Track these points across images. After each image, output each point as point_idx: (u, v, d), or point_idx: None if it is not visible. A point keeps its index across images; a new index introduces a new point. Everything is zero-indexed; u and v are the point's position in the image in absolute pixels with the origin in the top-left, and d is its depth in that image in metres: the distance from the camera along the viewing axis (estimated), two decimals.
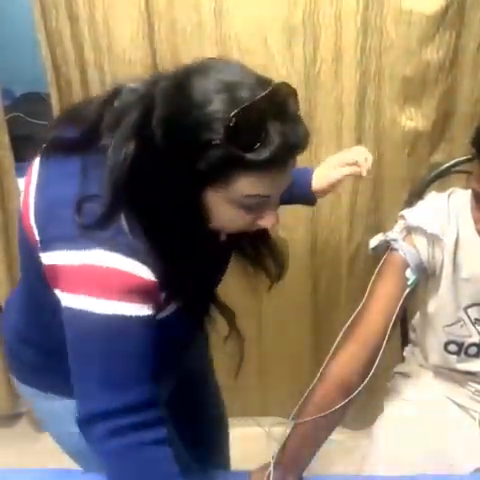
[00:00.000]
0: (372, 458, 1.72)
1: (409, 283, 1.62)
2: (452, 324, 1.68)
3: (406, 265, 1.63)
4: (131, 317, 1.21)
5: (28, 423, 2.85)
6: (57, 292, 1.23)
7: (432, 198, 1.74)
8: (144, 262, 1.21)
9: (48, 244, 1.24)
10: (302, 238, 2.48)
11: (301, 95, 2.13)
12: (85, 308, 1.19)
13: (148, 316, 1.24)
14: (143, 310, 1.22)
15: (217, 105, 1.13)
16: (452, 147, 2.26)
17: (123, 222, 1.22)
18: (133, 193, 1.22)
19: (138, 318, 1.22)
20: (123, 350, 1.23)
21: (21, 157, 2.39)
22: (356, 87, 2.19)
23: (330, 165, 1.79)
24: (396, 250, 1.65)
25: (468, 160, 1.92)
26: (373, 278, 1.66)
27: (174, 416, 1.56)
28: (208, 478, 1.56)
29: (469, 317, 1.66)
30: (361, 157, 1.70)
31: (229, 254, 1.53)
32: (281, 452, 1.51)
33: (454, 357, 1.72)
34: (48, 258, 1.23)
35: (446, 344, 1.71)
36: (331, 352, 1.59)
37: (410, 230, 1.65)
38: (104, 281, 1.19)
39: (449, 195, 1.69)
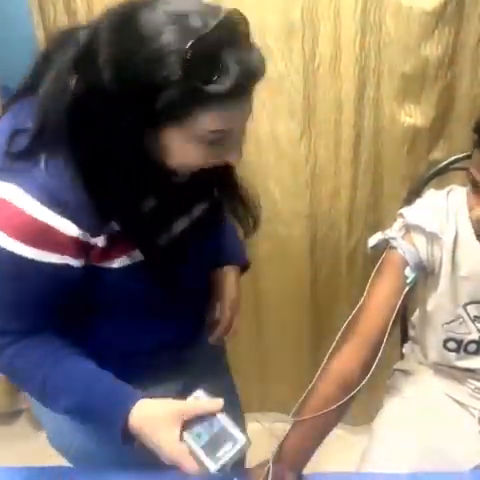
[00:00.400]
0: (371, 455, 1.72)
1: (408, 281, 1.63)
2: (451, 321, 1.68)
3: (405, 263, 1.63)
4: (22, 258, 1.19)
5: (27, 421, 2.85)
6: None
7: (431, 196, 1.73)
8: (52, 207, 1.17)
9: None
10: (301, 234, 2.48)
11: (300, 91, 2.17)
12: None
13: (44, 263, 1.21)
14: (40, 255, 1.20)
15: (169, 38, 1.07)
16: (451, 144, 2.26)
17: (42, 159, 1.18)
18: (69, 127, 1.17)
19: (28, 261, 1.20)
20: (6, 285, 1.25)
21: None
22: (355, 83, 2.18)
23: None
24: (395, 248, 1.65)
25: (467, 157, 1.92)
26: (372, 276, 1.66)
27: None
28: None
29: (468, 314, 1.66)
30: None
31: (195, 205, 1.45)
32: (280, 448, 1.50)
33: (453, 354, 1.72)
34: None
35: (445, 341, 1.71)
36: (331, 349, 1.58)
37: (409, 228, 1.65)
38: (6, 216, 1.17)
39: (448, 193, 1.69)
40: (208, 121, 1.15)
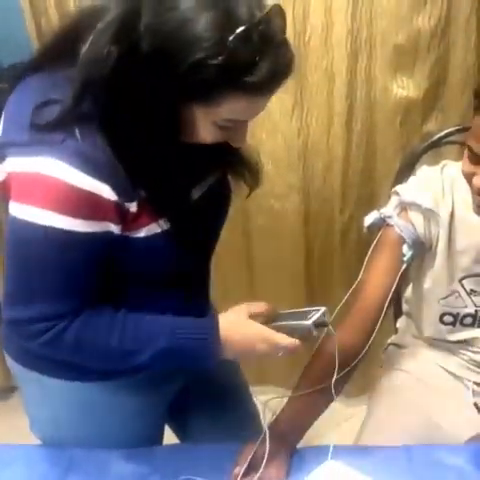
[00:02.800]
0: (367, 429, 1.73)
1: (405, 259, 1.63)
2: (447, 296, 1.68)
3: (402, 241, 1.63)
4: (69, 232, 1.19)
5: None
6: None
7: (425, 172, 1.72)
8: (92, 173, 1.17)
9: (2, 152, 1.22)
10: (294, 208, 2.47)
11: None
12: (26, 218, 1.18)
13: (90, 233, 1.21)
14: (84, 225, 1.20)
15: (214, 20, 1.09)
16: (444, 116, 2.25)
17: (76, 129, 1.18)
18: (105, 96, 1.17)
19: (77, 234, 1.20)
20: (57, 263, 1.24)
21: None
22: (347, 55, 2.16)
23: None
24: (392, 226, 1.64)
25: (459, 130, 1.91)
26: (369, 254, 1.65)
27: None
28: (197, 451, 1.58)
29: (464, 288, 1.66)
30: None
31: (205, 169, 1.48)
32: (275, 423, 1.52)
33: (449, 327, 1.73)
34: (3, 168, 1.22)
35: (441, 316, 1.72)
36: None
37: (405, 206, 1.64)
38: (45, 190, 1.17)
39: (442, 168, 1.68)
40: (231, 109, 1.18)
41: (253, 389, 1.95)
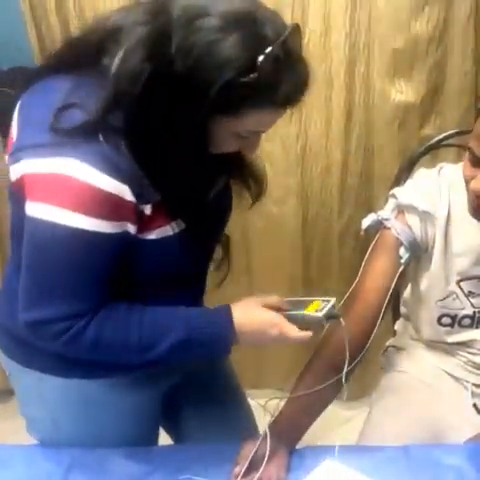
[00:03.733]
0: (367, 431, 1.73)
1: (402, 261, 1.63)
2: (445, 298, 1.69)
3: (399, 243, 1.64)
4: (90, 232, 1.21)
5: None
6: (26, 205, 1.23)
7: (422, 175, 1.73)
8: (113, 174, 1.19)
9: (18, 154, 1.23)
10: (293, 211, 2.48)
11: None
12: (47, 218, 1.19)
13: (111, 233, 1.24)
14: (104, 226, 1.22)
15: (242, 40, 1.14)
16: (442, 120, 2.26)
17: (100, 135, 1.20)
18: (134, 110, 1.20)
19: (97, 234, 1.22)
20: (76, 263, 1.25)
21: (7, 132, 2.36)
22: (345, 60, 2.18)
23: None
24: (389, 229, 1.65)
25: (457, 133, 1.92)
26: (367, 256, 1.66)
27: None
28: (197, 450, 1.58)
29: (462, 290, 1.67)
30: None
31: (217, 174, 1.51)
32: (275, 422, 1.52)
33: (448, 329, 1.73)
34: (17, 169, 1.23)
35: (439, 318, 1.72)
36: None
37: (402, 209, 1.65)
38: (67, 191, 1.18)
39: (439, 170, 1.69)
40: (256, 122, 1.25)
41: (250, 392, 1.95)
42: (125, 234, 1.27)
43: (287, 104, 1.25)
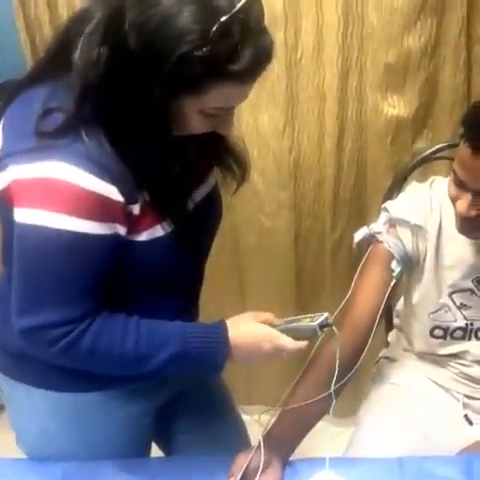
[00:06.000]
0: (358, 440, 1.74)
1: (394, 275, 1.65)
2: (437, 311, 1.70)
3: (391, 257, 1.65)
4: (80, 234, 1.21)
5: None
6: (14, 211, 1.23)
7: (414, 188, 1.75)
8: (101, 176, 1.20)
9: (4, 161, 1.23)
10: (285, 226, 2.48)
11: (282, 83, 2.16)
12: (37, 222, 1.19)
13: (102, 235, 1.24)
14: (94, 228, 1.22)
15: (196, 13, 1.12)
16: (435, 134, 2.26)
17: (82, 132, 1.20)
18: (102, 97, 1.20)
19: (88, 236, 1.22)
20: (69, 267, 1.25)
21: None
22: (338, 74, 2.18)
23: None
24: (381, 242, 1.66)
25: (449, 146, 1.93)
26: (359, 270, 1.67)
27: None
28: (190, 462, 1.58)
29: (454, 302, 1.68)
30: None
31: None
32: (268, 435, 1.52)
33: (440, 341, 1.74)
34: (4, 177, 1.23)
35: (431, 330, 1.73)
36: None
37: (394, 222, 1.67)
38: (56, 194, 1.19)
39: (430, 184, 1.71)
40: (218, 97, 1.22)
41: (242, 408, 1.94)
42: (115, 236, 1.27)
43: (249, 77, 1.21)
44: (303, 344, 1.38)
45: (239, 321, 1.41)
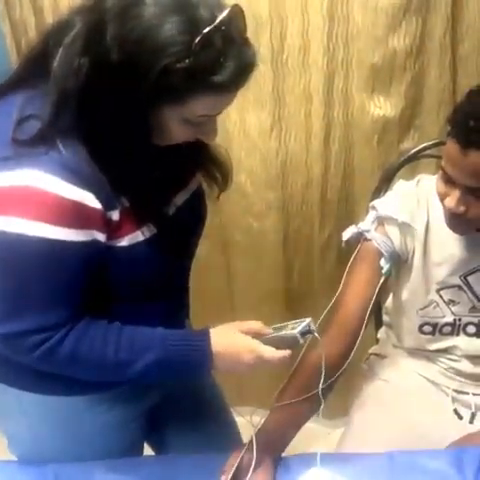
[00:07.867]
0: (349, 438, 1.74)
1: (383, 272, 1.67)
2: (425, 307, 1.71)
3: (380, 254, 1.67)
4: (57, 241, 1.20)
5: None
6: None
7: (401, 186, 1.77)
8: (77, 183, 1.20)
9: None
10: (273, 227, 2.48)
11: (269, 84, 2.17)
12: (14, 230, 1.19)
13: (80, 242, 1.23)
14: (71, 235, 1.22)
15: (178, 25, 1.13)
16: (421, 134, 2.26)
17: (57, 140, 1.20)
18: (81, 107, 1.20)
19: (65, 243, 1.21)
20: (47, 274, 1.25)
21: None
22: (324, 75, 2.19)
23: None
24: (369, 240, 1.67)
25: (436, 145, 1.95)
26: (348, 268, 1.69)
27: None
28: (182, 461, 1.59)
29: (442, 298, 1.69)
30: None
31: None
32: (260, 432, 1.53)
33: (429, 337, 1.76)
34: None
35: (420, 326, 1.74)
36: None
37: (381, 220, 1.68)
38: (33, 202, 1.18)
39: (417, 182, 1.72)
40: (201, 106, 1.23)
41: (233, 409, 1.95)
42: (95, 242, 1.26)
43: (232, 87, 1.22)
44: (286, 353, 1.37)
45: (223, 330, 1.40)
